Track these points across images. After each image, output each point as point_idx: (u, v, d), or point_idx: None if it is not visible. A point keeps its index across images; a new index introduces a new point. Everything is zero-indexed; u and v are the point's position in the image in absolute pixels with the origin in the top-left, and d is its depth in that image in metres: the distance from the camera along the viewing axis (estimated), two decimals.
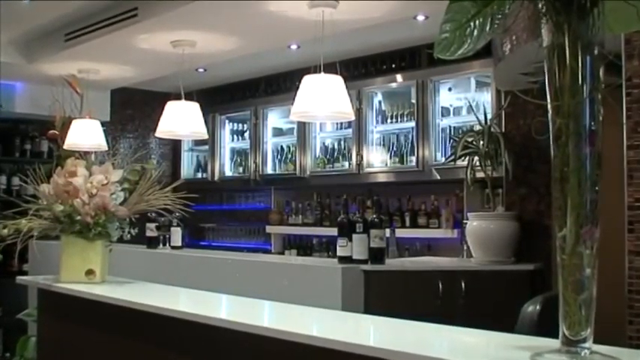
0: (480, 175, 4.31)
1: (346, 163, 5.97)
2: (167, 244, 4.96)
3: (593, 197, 1.28)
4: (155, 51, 5.00)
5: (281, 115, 6.70)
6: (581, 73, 1.26)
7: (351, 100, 3.79)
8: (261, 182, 6.71)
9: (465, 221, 4.47)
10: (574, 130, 1.27)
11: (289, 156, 6.52)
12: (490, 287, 3.97)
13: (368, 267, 3.81)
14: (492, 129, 4.25)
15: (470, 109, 4.86)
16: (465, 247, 4.47)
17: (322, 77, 3.49)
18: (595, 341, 1.31)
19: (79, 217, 2.84)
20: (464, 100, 5.24)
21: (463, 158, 4.33)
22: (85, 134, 4.96)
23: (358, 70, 5.94)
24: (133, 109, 7.48)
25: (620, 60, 2.76)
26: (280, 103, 6.45)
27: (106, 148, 5.08)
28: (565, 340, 1.31)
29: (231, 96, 7.21)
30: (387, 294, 3.87)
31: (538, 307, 2.47)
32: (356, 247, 3.80)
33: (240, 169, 7.03)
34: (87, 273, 2.93)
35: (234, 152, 7.24)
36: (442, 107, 5.35)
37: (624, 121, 2.86)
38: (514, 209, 4.33)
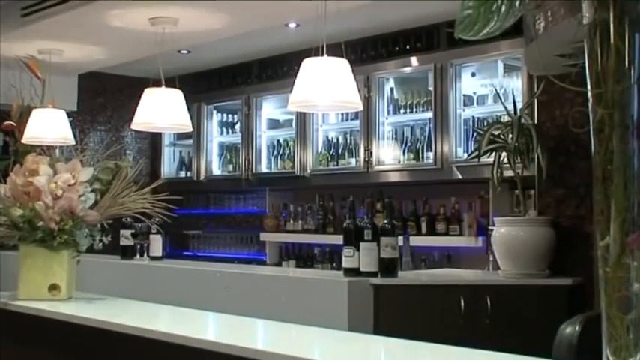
0: (508, 173, 4.30)
1: (353, 160, 5.96)
2: (145, 254, 4.96)
3: None
4: (130, 29, 4.99)
5: (277, 104, 6.70)
6: (627, 54, 1.25)
7: (359, 87, 3.78)
8: (254, 182, 6.70)
9: (490, 227, 4.46)
10: (619, 122, 1.26)
11: (287, 152, 6.52)
12: (521, 305, 3.96)
13: (378, 280, 3.80)
14: (523, 120, 4.24)
15: (497, 97, 4.85)
16: (491, 258, 4.46)
17: (325, 61, 3.48)
18: None
19: (41, 223, 2.84)
20: (489, 87, 5.22)
21: (489, 154, 4.32)
22: (48, 126, 4.95)
23: (367, 52, 5.92)
24: (104, 97, 7.47)
25: None
26: (276, 90, 6.45)
27: (73, 143, 5.08)
28: None
29: (220, 82, 7.20)
30: (400, 311, 3.86)
31: (578, 329, 2.46)
32: (364, 257, 3.79)
33: (230, 168, 7.03)
34: (50, 288, 2.93)
35: (223, 148, 7.23)
36: (464, 95, 5.35)
37: None
38: (549, 214, 4.32)
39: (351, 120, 6.04)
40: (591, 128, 1.30)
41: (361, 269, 3.80)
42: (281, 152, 6.59)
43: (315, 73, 3.48)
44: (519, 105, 4.43)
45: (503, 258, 4.19)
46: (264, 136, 6.75)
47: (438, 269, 5.16)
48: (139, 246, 4.99)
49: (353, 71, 3.55)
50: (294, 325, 2.42)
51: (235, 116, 7.16)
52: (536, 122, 4.39)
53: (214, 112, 7.25)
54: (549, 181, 4.29)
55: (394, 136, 5.78)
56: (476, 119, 5.31)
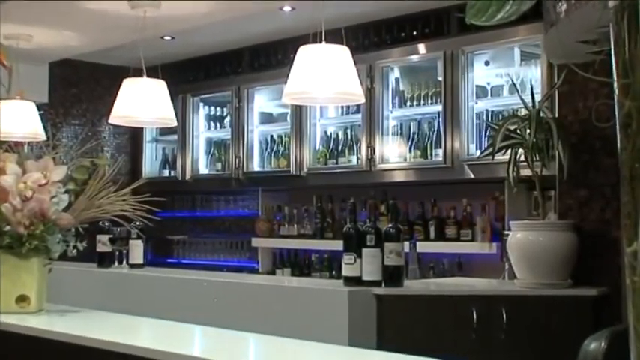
0: (525, 173, 4.29)
1: (354, 158, 5.96)
2: (124, 262, 4.95)
3: None
4: (107, 13, 4.99)
5: (270, 96, 6.70)
6: None
7: (360, 78, 3.79)
8: (245, 182, 6.70)
9: (506, 232, 4.47)
10: None
11: (281, 149, 6.52)
12: (540, 318, 3.96)
13: (382, 290, 3.81)
14: (542, 114, 4.24)
15: (513, 88, 4.85)
16: (507, 266, 4.46)
17: (323, 48, 3.49)
18: None
19: (8, 228, 2.83)
20: (505, 77, 5.23)
21: (504, 151, 4.32)
22: (16, 120, 4.95)
23: (369, 38, 5.92)
24: (78, 88, 7.47)
25: None
26: (270, 81, 6.45)
27: (45, 138, 5.08)
28: None
29: (207, 72, 7.20)
30: (406, 325, 3.86)
31: (603, 345, 2.46)
32: (366, 265, 3.79)
33: (219, 166, 7.03)
34: (19, 300, 2.92)
35: (211, 144, 7.23)
36: (477, 86, 5.35)
37: None
38: (570, 217, 4.32)
39: (352, 114, 6.04)
40: (617, 122, 1.30)
41: (363, 278, 3.80)
42: (275, 149, 6.59)
43: (312, 61, 3.48)
44: (538, 97, 4.43)
45: (520, 266, 4.19)
46: (257, 132, 6.75)
47: (448, 278, 5.16)
48: (117, 253, 4.98)
49: (354, 60, 3.55)
50: (289, 339, 2.42)
51: (224, 109, 7.16)
52: (556, 116, 4.39)
53: (201, 104, 7.25)
54: (571, 181, 4.29)
55: (399, 132, 5.78)
56: (490, 112, 5.32)
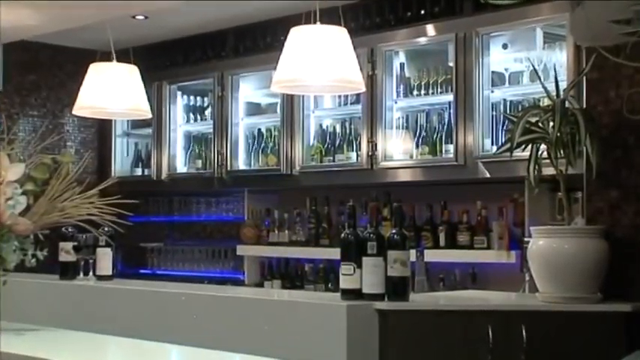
0: (548, 171, 4.30)
1: (353, 155, 5.97)
2: (90, 273, 4.94)
3: None
4: None
5: (258, 84, 6.70)
6: None
7: (361, 63, 3.78)
8: (229, 182, 6.70)
9: (526, 239, 4.47)
10: None
11: (270, 144, 6.52)
12: (565, 336, 3.97)
13: (385, 305, 3.81)
14: (568, 104, 4.24)
15: (534, 74, 4.85)
16: (527, 278, 4.47)
17: (318, 29, 3.49)
18: None
19: None
20: (525, 62, 5.23)
21: (524, 147, 4.32)
22: None
23: (371, 18, 5.92)
24: (37, 74, 7.45)
25: None
26: (257, 67, 6.45)
27: None
28: None
29: (185, 56, 7.20)
30: (411, 344, 3.87)
31: None
32: (367, 275, 3.80)
33: (199, 164, 7.03)
34: None
35: (190, 138, 7.24)
36: (493, 72, 5.35)
37: None
38: (600, 222, 4.32)
39: (351, 104, 6.04)
40: None
41: (363, 291, 3.80)
42: (263, 144, 6.59)
43: (305, 45, 3.48)
44: (563, 85, 4.43)
45: (543, 277, 4.19)
46: (242, 125, 6.75)
47: (460, 291, 5.17)
48: (82, 262, 4.96)
49: (353, 43, 3.55)
50: None
51: (205, 99, 7.16)
52: (584, 106, 4.39)
53: (179, 93, 7.25)
54: (601, 181, 4.29)
55: (405, 125, 5.79)
56: (508, 103, 5.32)
